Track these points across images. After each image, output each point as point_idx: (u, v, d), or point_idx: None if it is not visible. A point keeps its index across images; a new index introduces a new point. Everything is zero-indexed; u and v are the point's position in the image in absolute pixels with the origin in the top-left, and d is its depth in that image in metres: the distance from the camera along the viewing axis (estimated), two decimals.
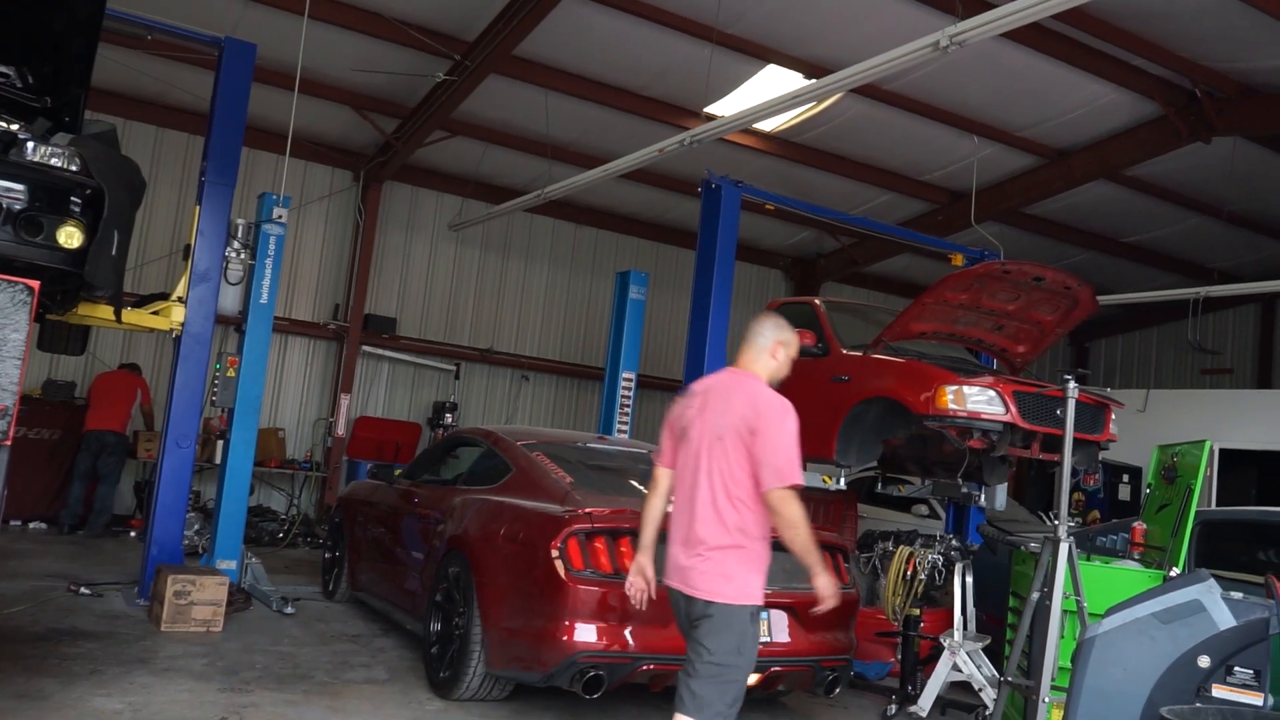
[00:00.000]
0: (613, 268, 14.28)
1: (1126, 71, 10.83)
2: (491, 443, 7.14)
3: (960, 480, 7.83)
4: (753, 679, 5.58)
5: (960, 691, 6.72)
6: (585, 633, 5.22)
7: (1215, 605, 4.23)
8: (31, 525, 11.17)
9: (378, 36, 10.77)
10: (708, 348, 9.55)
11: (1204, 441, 5.80)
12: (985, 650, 6.52)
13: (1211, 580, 4.34)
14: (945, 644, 6.49)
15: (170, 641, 6.63)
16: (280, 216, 8.48)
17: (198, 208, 8.01)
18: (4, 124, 5.21)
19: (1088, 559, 5.85)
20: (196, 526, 10.39)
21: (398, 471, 8.23)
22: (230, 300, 8.29)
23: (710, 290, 9.59)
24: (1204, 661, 4.18)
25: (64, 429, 11.49)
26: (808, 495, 9.11)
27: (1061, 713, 4.46)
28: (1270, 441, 13.52)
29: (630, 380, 11.30)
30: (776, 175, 13.41)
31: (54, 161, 5.17)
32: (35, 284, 4.41)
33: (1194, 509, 5.63)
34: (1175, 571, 5.41)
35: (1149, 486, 6.47)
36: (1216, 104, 11.18)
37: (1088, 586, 5.17)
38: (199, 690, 5.59)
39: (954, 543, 7.12)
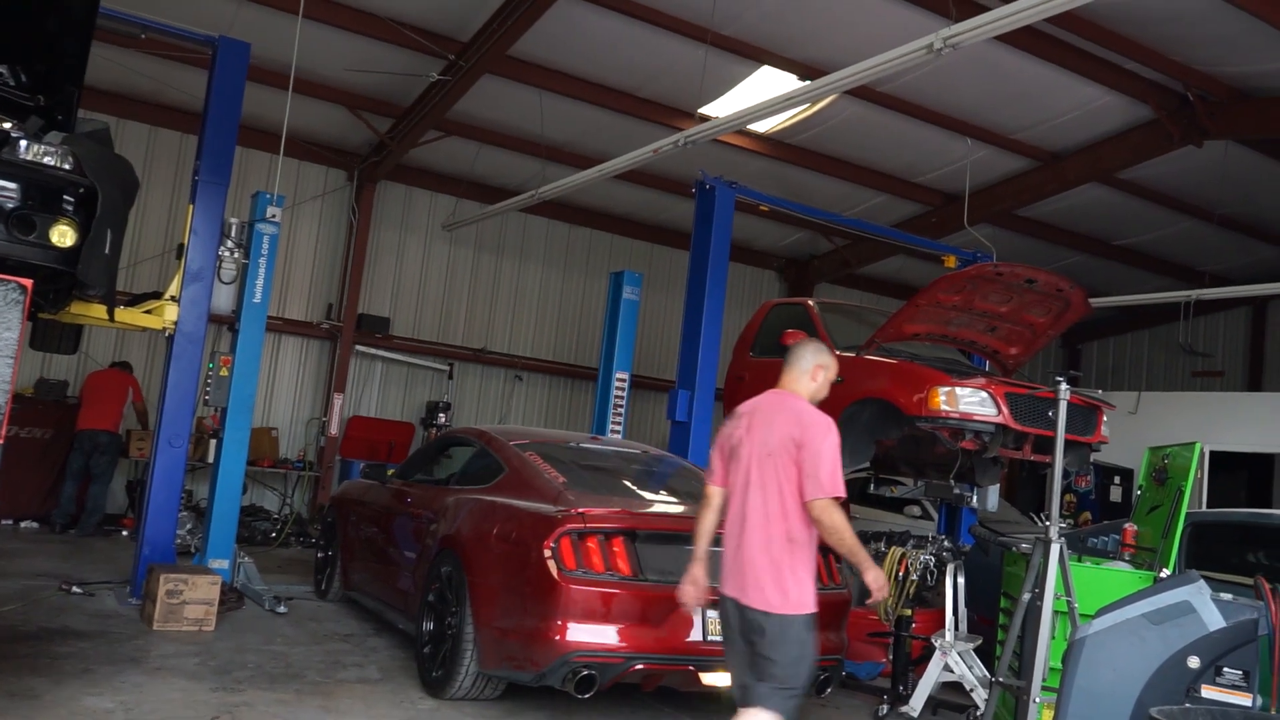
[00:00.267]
0: (606, 268, 14.28)
1: (1119, 75, 10.87)
2: (484, 442, 7.15)
3: (952, 481, 7.85)
4: None
5: (952, 692, 6.73)
6: (578, 632, 5.23)
7: (1205, 606, 4.25)
8: (23, 524, 11.13)
9: (372, 36, 10.76)
10: (701, 348, 9.57)
11: (1194, 444, 5.83)
12: (977, 651, 6.54)
13: (1201, 581, 4.36)
14: (937, 644, 6.51)
15: (162, 641, 6.63)
16: (274, 216, 8.47)
17: (191, 207, 8.01)
18: None
19: (1079, 560, 5.87)
20: (189, 526, 10.39)
21: (391, 471, 8.23)
22: (223, 299, 8.27)
23: (704, 291, 9.61)
24: (1193, 662, 4.20)
25: (56, 428, 11.47)
26: None
27: (1052, 713, 4.47)
28: (1260, 444, 13.59)
29: (624, 381, 11.29)
30: (770, 176, 13.43)
31: (47, 160, 5.16)
32: (28, 282, 4.40)
33: (1184, 511, 5.66)
34: (1165, 573, 5.43)
35: (1140, 488, 6.50)
36: (1208, 108, 11.23)
37: (1079, 587, 5.19)
38: (191, 689, 5.59)
39: (946, 543, 7.15)
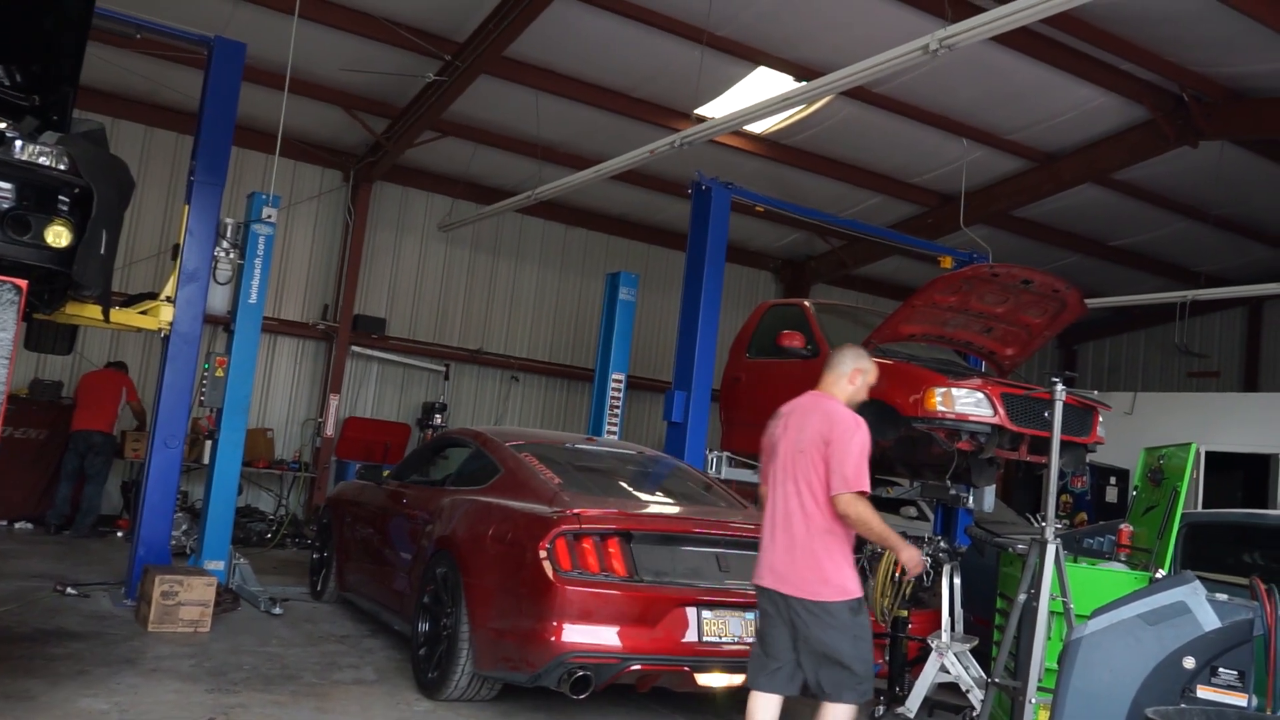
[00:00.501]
0: (603, 269, 14.28)
1: (1115, 76, 10.88)
2: (480, 443, 7.14)
3: (948, 482, 7.87)
4: (739, 680, 5.62)
5: (948, 692, 6.73)
6: (573, 633, 5.22)
7: (1200, 607, 4.26)
8: (18, 525, 11.11)
9: (368, 36, 10.75)
10: (698, 349, 9.57)
11: (1190, 444, 5.84)
12: (973, 651, 6.53)
13: (1197, 582, 4.36)
14: (933, 645, 6.50)
15: (157, 642, 6.61)
16: (269, 216, 8.46)
17: (186, 207, 7.99)
18: None
19: (1075, 560, 5.88)
20: (184, 527, 10.37)
21: (386, 472, 8.22)
22: (219, 300, 8.26)
23: (700, 291, 9.61)
24: (1189, 663, 4.20)
25: (51, 429, 11.45)
26: None
27: (1048, 714, 4.47)
28: (1256, 444, 13.61)
29: (620, 381, 11.28)
30: (766, 177, 13.43)
31: (42, 160, 5.15)
32: (23, 283, 4.39)
33: (1180, 511, 5.67)
34: (1161, 573, 5.44)
35: (1135, 489, 6.50)
36: (1204, 108, 11.25)
37: (1074, 588, 5.20)
38: (186, 691, 5.58)
39: (942, 544, 7.13)
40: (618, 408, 11.39)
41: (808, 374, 8.63)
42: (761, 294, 17.09)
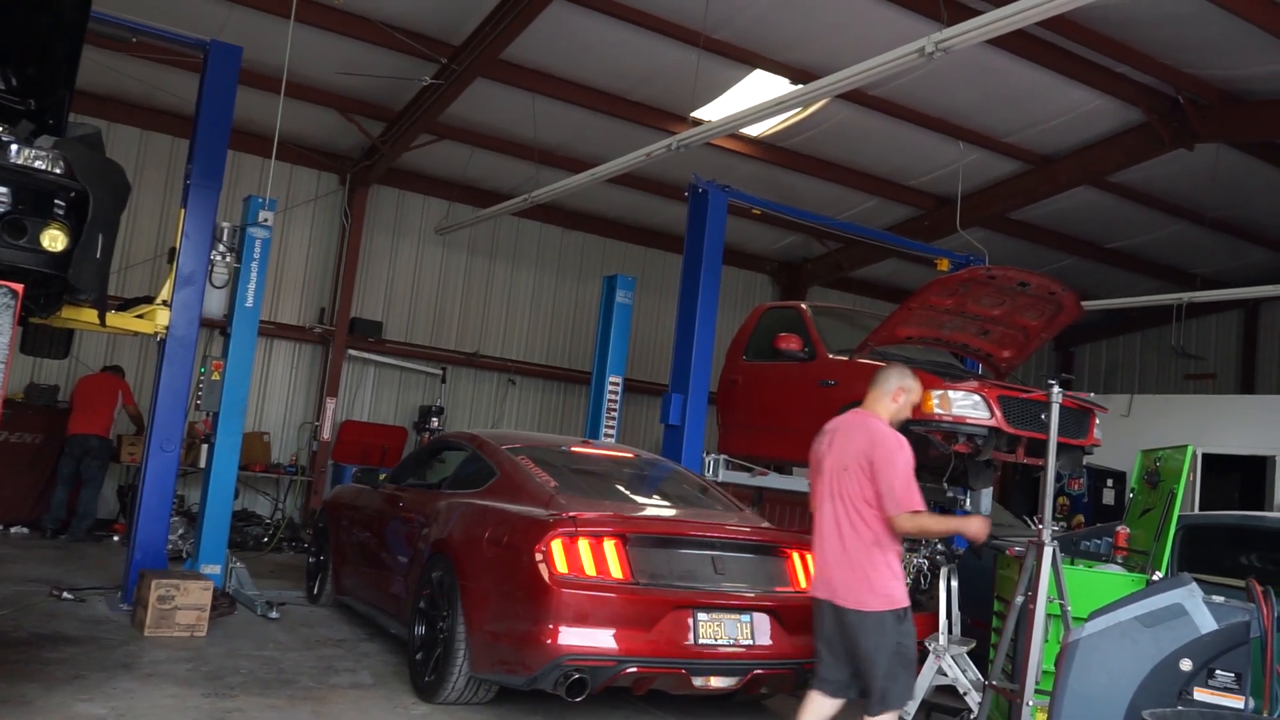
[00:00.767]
0: (599, 271, 14.28)
1: (1110, 78, 10.90)
2: (476, 446, 7.14)
3: (945, 484, 7.86)
4: (734, 682, 5.62)
5: (945, 695, 6.73)
6: (569, 636, 5.22)
7: (1197, 609, 4.26)
8: (13, 529, 11.09)
9: (364, 40, 10.74)
10: (694, 351, 9.57)
11: (1187, 446, 5.84)
12: (970, 654, 6.53)
13: (1194, 584, 4.37)
14: (930, 648, 6.50)
15: (154, 646, 6.60)
16: (266, 220, 8.45)
17: (183, 211, 7.98)
18: None
19: (1071, 563, 5.88)
20: (180, 531, 10.34)
21: (383, 476, 8.22)
22: (215, 304, 8.25)
23: (697, 294, 9.61)
24: (1186, 665, 4.21)
25: (47, 433, 11.43)
26: (793, 499, 9.18)
27: (1045, 716, 4.48)
28: (1252, 446, 13.63)
29: (617, 384, 11.29)
30: (763, 180, 13.44)
31: (38, 164, 5.14)
32: (19, 287, 4.39)
33: (1177, 513, 5.67)
34: (1158, 575, 5.44)
35: (1132, 491, 6.50)
36: (1199, 111, 11.26)
37: (1071, 590, 5.19)
38: (183, 695, 5.57)
39: (939, 547, 7.14)
40: (615, 410, 11.40)
41: (805, 376, 8.69)
42: (758, 296, 17.09)
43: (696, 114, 11.55)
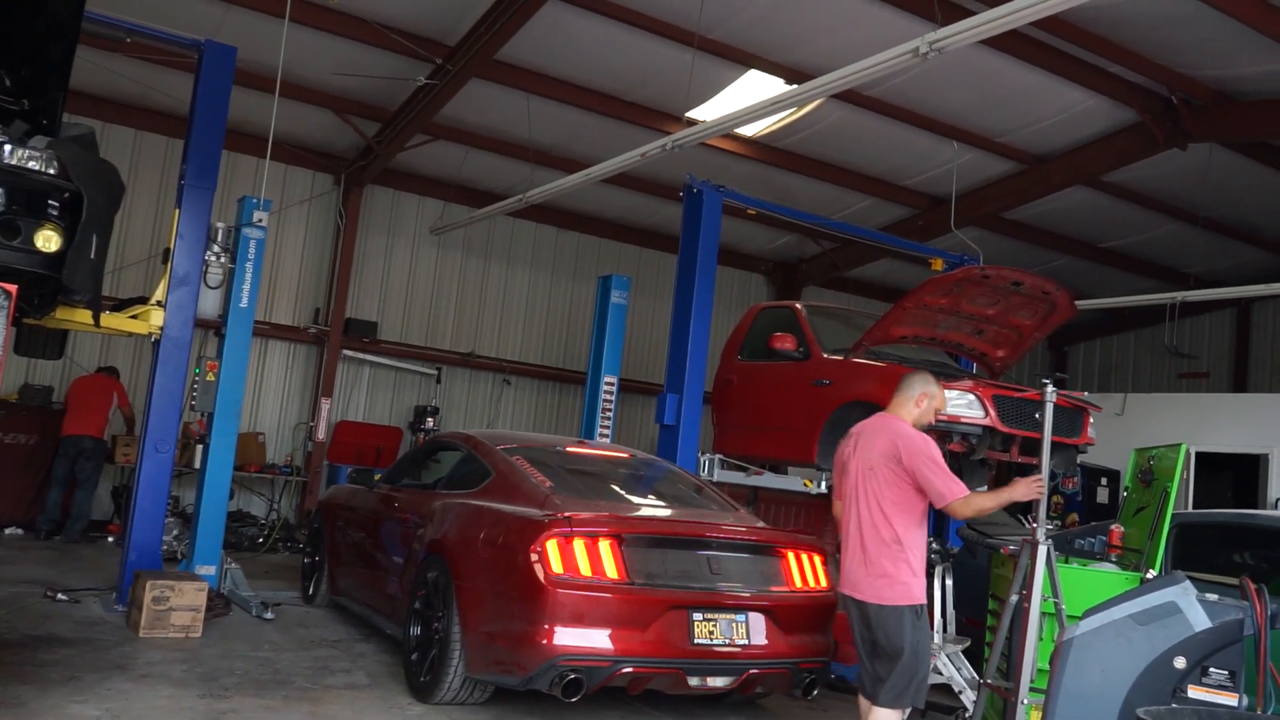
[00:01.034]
0: (595, 272, 14.29)
1: (1104, 78, 10.92)
2: (471, 447, 7.13)
3: None
4: (729, 681, 5.63)
5: (940, 694, 6.74)
6: (565, 636, 5.23)
7: (1191, 607, 4.27)
8: (8, 531, 11.06)
9: (359, 40, 10.74)
10: (690, 351, 9.58)
11: (1180, 445, 5.85)
12: (965, 652, 6.55)
13: (1187, 582, 4.37)
14: None
15: (149, 647, 6.59)
16: (260, 220, 8.44)
17: (177, 211, 7.97)
18: None
19: (1066, 561, 5.89)
20: (175, 532, 10.33)
21: (378, 476, 8.22)
22: (210, 304, 8.24)
23: (692, 294, 9.62)
24: (1180, 663, 4.21)
25: (41, 434, 11.41)
26: (788, 499, 9.18)
27: (1040, 714, 4.48)
28: (1246, 445, 13.66)
29: (612, 384, 11.30)
30: (758, 180, 13.45)
31: (32, 164, 5.14)
32: (13, 288, 4.38)
33: (1170, 512, 5.68)
34: (1152, 574, 5.46)
35: (1126, 489, 6.52)
36: (1192, 111, 11.29)
37: (1066, 589, 5.21)
38: (178, 696, 5.56)
39: (934, 546, 7.14)
40: (610, 411, 11.41)
41: (800, 376, 8.70)
42: (753, 296, 17.09)
43: (691, 114, 11.56)
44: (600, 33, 10.58)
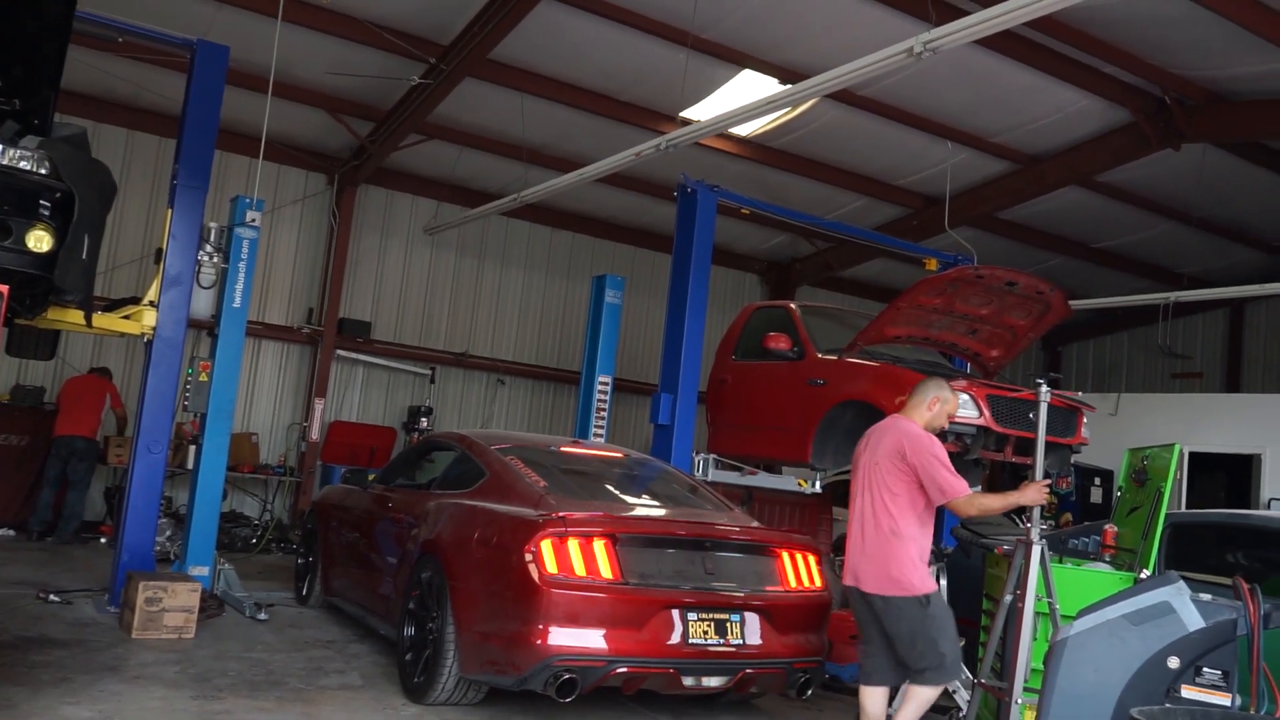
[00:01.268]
0: (589, 271, 14.27)
1: (1097, 79, 10.94)
2: (465, 447, 7.12)
3: None
4: (724, 681, 5.62)
5: None
6: (559, 636, 5.22)
7: (1184, 607, 4.27)
8: (0, 532, 11.03)
9: (352, 39, 10.72)
10: (684, 351, 9.57)
11: (1174, 445, 5.86)
12: None
13: (1181, 582, 4.38)
14: None
15: (141, 649, 6.57)
16: (253, 220, 8.42)
17: (169, 211, 7.95)
18: None
19: (1060, 561, 5.89)
20: (168, 532, 10.31)
21: (372, 476, 8.20)
22: (203, 304, 8.22)
23: (686, 294, 9.62)
24: (1173, 662, 4.22)
25: (33, 434, 11.37)
26: (783, 498, 9.19)
27: (1034, 714, 4.48)
28: (1239, 445, 13.69)
29: (606, 384, 11.27)
30: (752, 180, 13.45)
31: (23, 164, 5.12)
32: (4, 288, 4.37)
33: (1164, 512, 5.68)
34: (1145, 574, 5.46)
35: (1120, 489, 6.52)
36: (1186, 111, 11.32)
37: (1060, 589, 5.21)
38: (171, 698, 5.54)
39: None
40: (604, 410, 11.38)
41: (794, 376, 8.70)
42: (747, 296, 17.10)
43: (685, 114, 11.55)
44: (594, 32, 10.58)
